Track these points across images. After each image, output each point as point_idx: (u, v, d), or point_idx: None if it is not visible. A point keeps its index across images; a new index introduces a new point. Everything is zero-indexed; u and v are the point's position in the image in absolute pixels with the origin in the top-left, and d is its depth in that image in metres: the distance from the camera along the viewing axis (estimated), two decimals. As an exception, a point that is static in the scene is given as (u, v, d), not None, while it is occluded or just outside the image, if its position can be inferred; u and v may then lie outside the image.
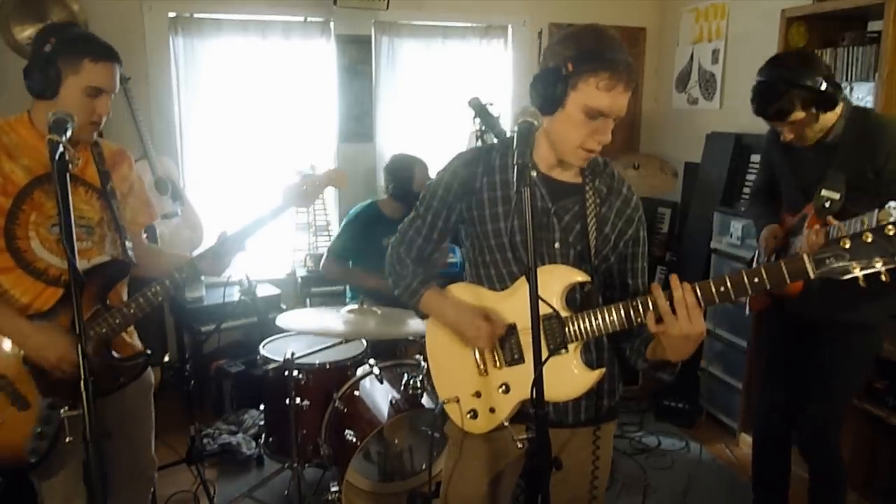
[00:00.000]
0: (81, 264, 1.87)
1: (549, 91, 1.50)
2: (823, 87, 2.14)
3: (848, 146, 2.24)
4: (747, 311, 2.79)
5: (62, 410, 1.76)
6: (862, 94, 2.92)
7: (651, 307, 1.45)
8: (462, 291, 1.74)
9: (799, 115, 2.18)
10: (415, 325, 2.82)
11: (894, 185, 2.13)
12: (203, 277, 3.24)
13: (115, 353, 1.93)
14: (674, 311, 1.40)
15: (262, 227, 2.00)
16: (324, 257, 3.55)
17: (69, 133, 1.52)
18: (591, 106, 1.48)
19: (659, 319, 1.43)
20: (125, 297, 2.03)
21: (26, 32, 3.62)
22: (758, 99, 2.24)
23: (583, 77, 1.47)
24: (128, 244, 1.98)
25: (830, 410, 2.47)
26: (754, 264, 2.56)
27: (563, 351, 1.57)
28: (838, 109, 2.23)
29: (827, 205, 2.15)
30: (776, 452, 2.75)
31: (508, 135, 2.70)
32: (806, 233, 2.25)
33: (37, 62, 1.75)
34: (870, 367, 2.57)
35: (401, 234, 1.81)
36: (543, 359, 1.38)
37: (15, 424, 1.79)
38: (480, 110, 2.79)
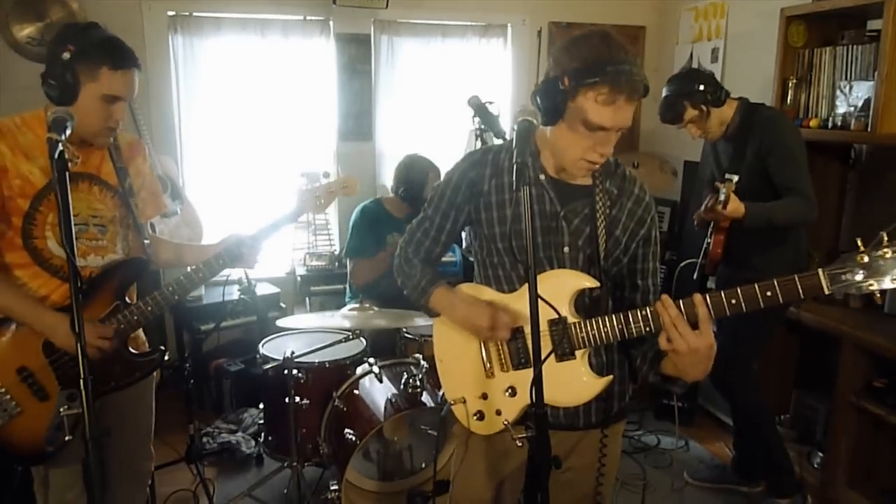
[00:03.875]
0: (96, 261, 1.92)
1: (549, 104, 1.46)
2: (702, 88, 2.71)
3: (742, 136, 2.77)
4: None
5: (61, 409, 1.78)
6: (861, 93, 2.92)
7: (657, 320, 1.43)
8: (470, 292, 1.73)
9: (692, 113, 2.75)
10: (418, 320, 2.82)
11: (775, 170, 2.66)
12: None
13: (131, 349, 1.97)
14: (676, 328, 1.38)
15: (276, 232, 2.04)
16: (348, 266, 3.51)
17: (69, 131, 1.52)
18: (591, 120, 1.44)
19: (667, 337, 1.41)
20: (135, 294, 2.06)
21: (26, 31, 3.62)
22: (660, 112, 2.83)
23: (581, 90, 1.42)
24: (146, 242, 2.01)
25: (727, 352, 2.80)
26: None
27: (571, 357, 1.56)
28: (730, 106, 2.77)
29: (732, 183, 2.71)
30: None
31: (508, 134, 2.70)
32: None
33: (54, 69, 1.72)
34: (770, 322, 2.93)
35: (409, 236, 1.80)
36: (543, 357, 1.37)
37: (35, 415, 1.84)
38: (480, 109, 2.79)
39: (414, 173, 3.44)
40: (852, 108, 2.96)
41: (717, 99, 2.73)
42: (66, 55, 1.70)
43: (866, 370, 2.81)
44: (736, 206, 2.61)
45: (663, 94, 2.81)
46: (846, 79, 3.02)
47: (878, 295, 1.28)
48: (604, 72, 1.40)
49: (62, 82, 1.71)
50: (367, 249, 3.40)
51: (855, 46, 2.99)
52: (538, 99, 1.49)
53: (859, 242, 1.30)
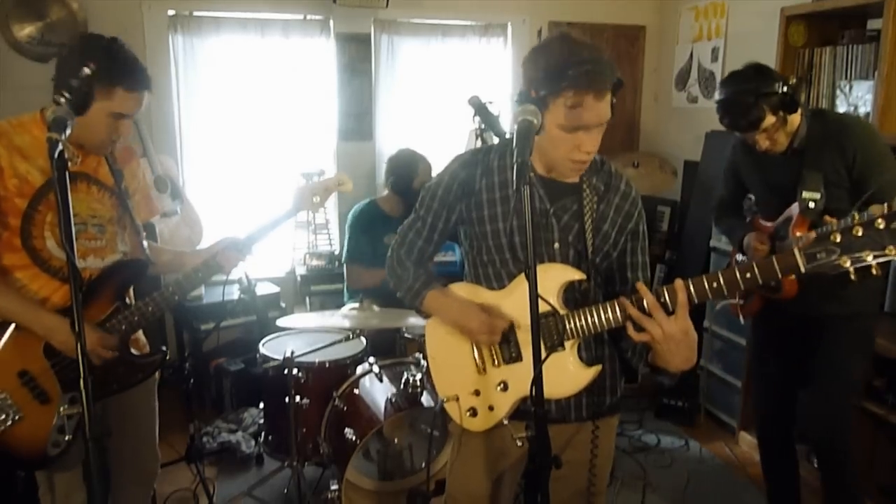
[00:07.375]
0: (96, 263, 1.91)
1: None
2: (785, 89, 2.21)
3: (816, 147, 2.29)
4: (742, 320, 2.77)
5: (62, 409, 1.78)
6: (861, 93, 2.92)
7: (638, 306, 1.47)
8: (461, 290, 1.75)
9: (770, 120, 2.24)
10: (414, 319, 2.82)
11: (866, 178, 2.21)
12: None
13: (133, 351, 1.97)
14: (650, 315, 1.43)
15: (274, 230, 2.06)
16: (345, 271, 3.50)
17: (69, 131, 1.52)
18: (566, 123, 1.49)
19: (639, 328, 1.45)
20: (132, 295, 2.06)
21: (26, 31, 3.62)
22: (730, 114, 2.29)
23: (550, 98, 1.47)
24: (144, 243, 2.01)
25: (834, 406, 2.45)
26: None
27: (560, 348, 1.58)
28: (799, 112, 2.29)
29: (811, 205, 2.23)
30: (782, 450, 2.73)
31: (508, 134, 2.70)
32: (797, 235, 2.28)
33: (70, 81, 1.71)
34: (868, 359, 2.54)
35: (401, 237, 1.82)
36: (543, 357, 1.38)
37: (37, 419, 1.83)
38: (480, 109, 2.79)
39: (403, 165, 3.44)
40: (852, 108, 2.96)
41: (796, 104, 2.24)
42: (87, 71, 1.70)
43: (865, 364, 2.80)
44: None
45: (727, 93, 2.30)
46: (846, 78, 3.02)
47: (853, 271, 1.31)
48: (565, 76, 1.44)
49: (77, 95, 1.70)
50: (364, 254, 3.41)
51: (855, 46, 2.99)
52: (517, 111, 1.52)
53: (831, 220, 1.31)
